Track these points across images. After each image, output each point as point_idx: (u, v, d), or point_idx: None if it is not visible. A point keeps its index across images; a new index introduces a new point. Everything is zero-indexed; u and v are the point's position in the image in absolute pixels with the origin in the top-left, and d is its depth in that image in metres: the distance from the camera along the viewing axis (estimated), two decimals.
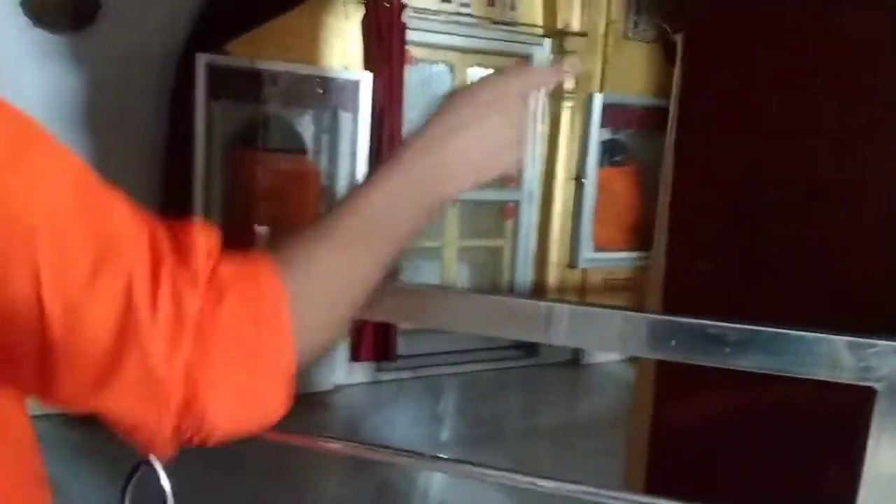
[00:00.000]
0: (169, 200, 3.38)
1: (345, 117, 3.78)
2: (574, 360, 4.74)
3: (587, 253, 4.60)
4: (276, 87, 3.59)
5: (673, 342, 0.79)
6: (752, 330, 0.75)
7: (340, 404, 3.95)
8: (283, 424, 0.60)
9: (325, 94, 3.69)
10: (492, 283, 4.75)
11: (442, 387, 4.24)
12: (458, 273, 4.64)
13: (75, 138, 3.33)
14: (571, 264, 4.60)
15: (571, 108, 4.46)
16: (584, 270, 4.68)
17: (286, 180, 3.81)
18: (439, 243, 4.52)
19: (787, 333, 0.74)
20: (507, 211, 4.66)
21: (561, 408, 4.25)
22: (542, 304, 0.87)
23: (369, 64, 3.76)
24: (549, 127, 4.51)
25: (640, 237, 4.78)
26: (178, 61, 3.35)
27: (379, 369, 4.21)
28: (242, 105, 3.55)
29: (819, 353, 0.74)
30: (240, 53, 3.47)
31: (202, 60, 3.35)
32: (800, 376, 0.76)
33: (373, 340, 4.06)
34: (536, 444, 3.67)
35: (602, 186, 4.67)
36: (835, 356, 0.74)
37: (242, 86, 3.50)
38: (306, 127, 3.78)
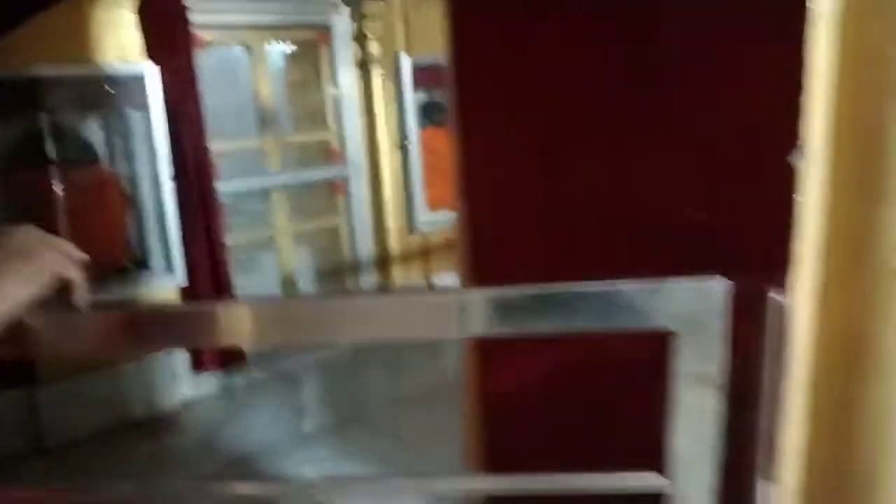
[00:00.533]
0: None
1: (134, 116, 3.46)
2: None
3: (423, 216, 4.59)
4: (48, 94, 3.21)
5: (476, 317, 0.75)
6: (545, 294, 0.72)
7: (188, 422, 3.71)
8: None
9: (108, 93, 3.35)
10: (335, 262, 4.63)
11: (301, 377, 4.11)
12: (297, 258, 4.48)
13: None
14: (410, 230, 4.57)
15: (382, 75, 4.37)
16: (425, 235, 4.68)
17: (84, 193, 3.46)
18: (269, 232, 4.32)
19: (582, 291, 0.72)
20: (337, 187, 4.54)
21: (425, 373, 4.24)
22: (328, 301, 0.80)
23: (154, 55, 3.44)
24: (363, 96, 4.41)
25: None
26: None
27: (228, 375, 3.99)
28: (12, 119, 3.13)
29: (617, 304, 0.73)
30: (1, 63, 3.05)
31: None
32: (606, 331, 0.74)
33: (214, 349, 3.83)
34: (404, 417, 3.65)
35: (426, 148, 4.67)
36: (631, 304, 0.73)
37: (7, 97, 3.09)
38: (94, 133, 3.42)
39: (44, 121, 3.24)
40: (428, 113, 4.71)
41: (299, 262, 4.51)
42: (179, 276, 3.64)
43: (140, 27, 3.42)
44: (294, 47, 4.32)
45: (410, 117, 4.41)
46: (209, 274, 3.72)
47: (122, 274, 3.58)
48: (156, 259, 3.63)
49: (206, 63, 3.94)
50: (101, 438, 3.49)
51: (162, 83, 3.47)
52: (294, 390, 3.99)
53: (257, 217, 4.33)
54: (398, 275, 4.63)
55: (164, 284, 3.64)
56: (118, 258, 3.59)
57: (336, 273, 4.63)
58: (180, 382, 3.82)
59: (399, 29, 4.39)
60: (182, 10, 3.49)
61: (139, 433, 3.57)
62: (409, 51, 4.41)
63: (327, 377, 4.14)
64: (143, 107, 3.45)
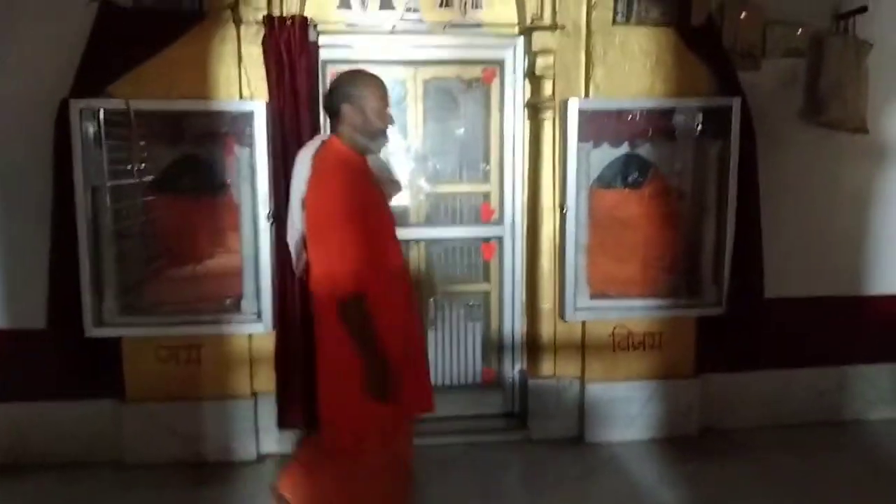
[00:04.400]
0: (60, 250, 3.36)
1: (242, 153, 3.45)
2: (578, 437, 3.89)
3: (581, 300, 3.74)
4: (162, 126, 3.41)
5: None
6: None
7: (262, 475, 3.57)
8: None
9: (218, 128, 3.40)
10: (484, 332, 4.07)
11: None
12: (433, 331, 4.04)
13: None
14: (561, 315, 3.77)
15: (551, 120, 3.66)
16: (585, 323, 3.81)
17: (208, 223, 3.60)
18: None
19: None
20: (488, 249, 3.97)
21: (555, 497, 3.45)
22: None
23: (272, 91, 3.39)
24: (531, 145, 3.77)
25: (665, 277, 3.83)
26: (57, 109, 3.26)
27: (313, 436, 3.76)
28: (130, 147, 3.40)
29: None
30: (124, 95, 3.31)
31: (76, 106, 3.26)
32: None
33: (301, 405, 3.63)
34: None
35: (608, 214, 3.80)
36: None
37: (126, 129, 3.34)
38: (220, 165, 3.55)
39: (156, 150, 3.46)
40: (622, 170, 3.83)
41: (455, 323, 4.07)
42: (267, 325, 3.52)
43: (264, 63, 3.39)
44: (457, 85, 3.87)
45: (571, 174, 3.60)
46: (301, 325, 3.53)
47: (222, 310, 3.61)
48: (248, 302, 3.57)
49: None
50: (173, 468, 3.58)
51: (276, 120, 3.38)
52: None
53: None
54: (546, 367, 3.85)
55: (252, 329, 3.56)
56: (225, 293, 3.63)
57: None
58: (263, 434, 3.71)
59: (578, 63, 3.62)
60: (305, 45, 3.36)
61: (211, 474, 3.56)
62: (594, 91, 3.61)
63: (425, 468, 3.62)
64: (250, 143, 3.42)
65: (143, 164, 3.49)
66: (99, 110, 3.29)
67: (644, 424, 3.93)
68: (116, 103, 3.30)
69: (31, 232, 3.44)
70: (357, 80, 2.53)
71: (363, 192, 2.46)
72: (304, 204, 2.51)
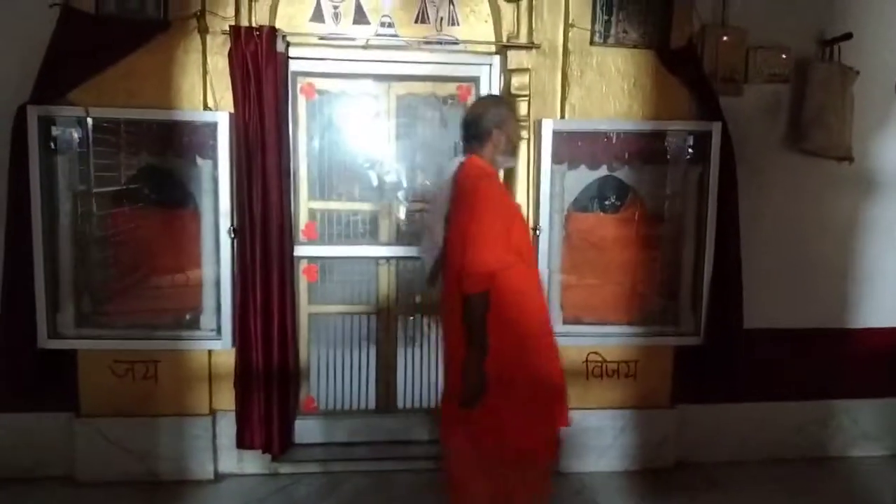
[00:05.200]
0: (14, 259, 3.30)
1: (205, 165, 3.37)
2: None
3: (556, 327, 3.61)
4: (123, 136, 3.34)
5: None
6: None
7: (215, 496, 3.47)
8: None
9: (181, 139, 3.32)
10: None
11: (349, 487, 3.57)
12: (402, 351, 3.94)
13: None
14: None
15: (527, 139, 3.58)
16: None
17: (168, 235, 3.51)
18: (370, 308, 3.87)
19: None
20: None
21: None
22: None
23: (238, 102, 3.31)
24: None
25: (642, 304, 3.73)
26: (14, 116, 3.20)
27: (277, 459, 3.65)
28: (88, 157, 3.33)
29: None
30: (85, 102, 3.24)
31: (34, 113, 3.19)
32: None
33: (261, 425, 3.53)
34: None
35: (583, 237, 3.70)
36: None
37: (86, 138, 3.29)
38: (184, 177, 3.47)
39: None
40: (599, 193, 3.74)
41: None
42: (227, 341, 3.43)
43: (230, 72, 3.32)
44: (432, 101, 3.79)
45: (545, 197, 3.51)
46: (262, 343, 3.44)
47: (181, 325, 3.52)
48: (207, 318, 3.48)
49: (320, 114, 3.70)
50: (127, 486, 3.48)
51: (240, 132, 3.31)
52: (338, 495, 3.46)
53: (358, 288, 3.90)
54: None
55: (211, 346, 3.47)
56: (184, 307, 3.54)
57: None
58: (221, 453, 3.60)
59: (554, 84, 3.54)
60: (274, 55, 3.31)
61: (166, 493, 3.46)
62: (570, 112, 3.54)
63: (388, 495, 3.51)
64: (213, 156, 3.35)
65: (104, 174, 3.40)
66: (55, 119, 3.25)
67: (617, 455, 3.81)
68: (76, 111, 3.25)
69: None
70: (502, 106, 2.84)
71: (509, 201, 2.82)
72: (448, 219, 2.79)
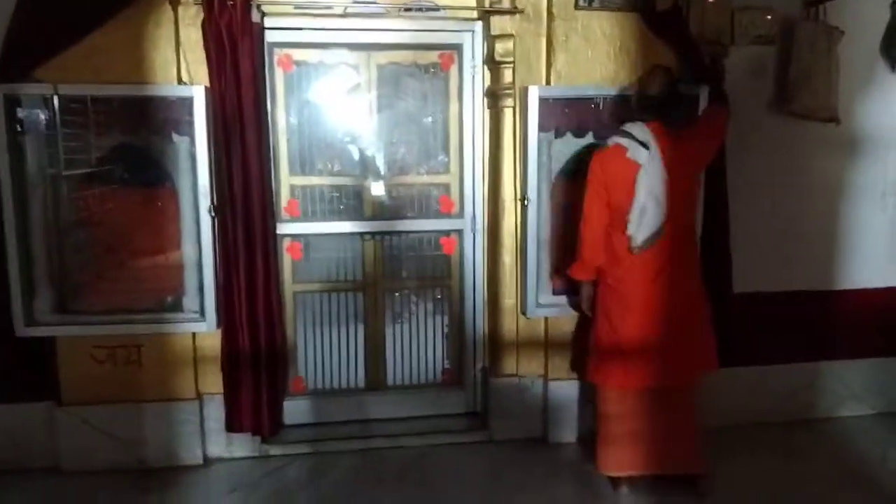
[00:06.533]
0: None
1: (182, 141, 3.23)
2: (541, 438, 3.73)
3: (543, 297, 3.57)
4: (94, 114, 3.17)
5: None
6: None
7: (205, 481, 3.39)
8: None
9: (155, 115, 3.17)
10: (445, 328, 3.89)
11: (340, 466, 3.50)
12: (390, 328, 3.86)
13: None
14: (523, 311, 3.60)
15: (512, 108, 3.48)
16: (545, 320, 3.65)
17: (145, 215, 3.38)
18: (355, 285, 3.78)
19: None
20: (447, 243, 3.79)
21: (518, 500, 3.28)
22: None
23: (212, 75, 3.18)
24: (491, 136, 3.59)
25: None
26: None
27: (267, 441, 3.57)
28: (56, 137, 3.17)
29: None
30: (52, 80, 3.09)
31: None
32: None
33: (250, 407, 3.44)
34: None
35: (569, 208, 3.62)
36: None
37: (54, 117, 3.13)
38: (160, 155, 3.33)
39: (89, 139, 3.21)
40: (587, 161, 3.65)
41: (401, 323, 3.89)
42: (211, 323, 3.32)
43: (204, 45, 3.17)
44: (413, 70, 3.67)
45: (532, 165, 3.43)
46: (247, 324, 3.34)
47: (162, 308, 3.41)
48: (190, 300, 3.37)
49: (298, 87, 3.57)
50: (114, 475, 3.38)
51: (217, 107, 3.18)
52: (331, 479, 3.40)
53: (343, 265, 3.80)
54: (508, 365, 3.68)
55: (195, 328, 3.36)
56: (165, 289, 3.43)
57: None
58: (209, 437, 3.51)
59: (539, 50, 3.44)
60: (249, 28, 3.16)
61: (153, 479, 3.37)
62: (556, 79, 3.44)
63: (379, 471, 3.45)
64: (189, 132, 3.21)
65: (75, 156, 3.24)
66: (21, 98, 3.09)
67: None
68: (43, 88, 3.09)
69: None
70: None
71: None
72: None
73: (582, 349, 3.49)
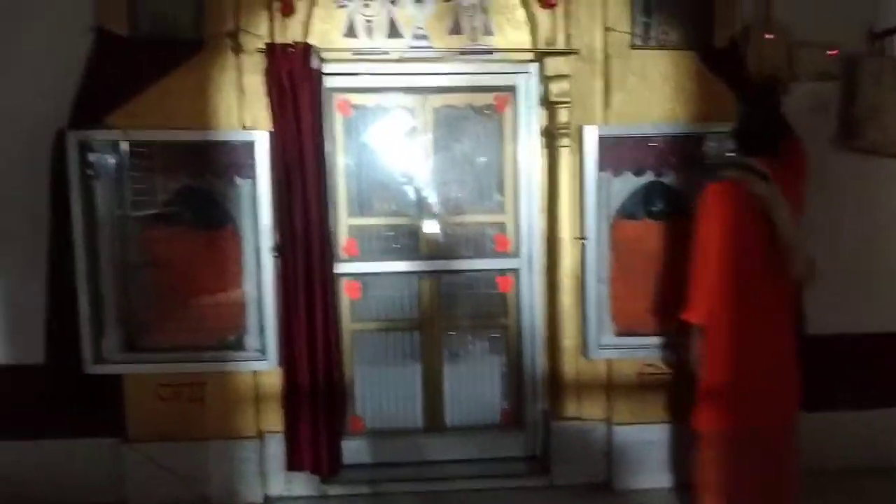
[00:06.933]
0: (58, 283, 3.28)
1: (245, 184, 3.33)
2: (605, 483, 3.61)
3: (605, 338, 3.50)
4: (160, 158, 3.31)
5: None
6: None
7: None
8: None
9: (219, 159, 3.29)
10: (503, 369, 3.84)
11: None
12: (448, 368, 3.82)
13: None
14: (584, 353, 3.53)
15: (568, 147, 3.48)
16: (607, 362, 3.57)
17: (209, 257, 3.47)
18: (411, 324, 3.78)
19: None
20: (503, 282, 3.76)
21: None
22: None
23: (275, 120, 3.29)
24: (547, 175, 3.58)
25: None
26: (53, 141, 3.21)
27: (326, 481, 3.56)
28: (124, 180, 3.32)
29: None
30: (122, 125, 3.25)
31: (73, 137, 3.18)
32: None
33: (310, 446, 3.44)
34: None
35: (631, 246, 3.56)
36: None
37: (123, 161, 3.27)
38: (223, 197, 3.44)
39: (156, 182, 3.35)
40: (645, 199, 3.60)
41: (454, 367, 3.86)
42: (272, 361, 3.36)
43: (266, 90, 3.28)
44: (468, 113, 3.71)
45: (590, 205, 3.40)
46: (307, 362, 3.36)
47: (225, 347, 3.47)
48: (251, 338, 3.42)
49: (356, 130, 3.65)
50: None
51: (278, 151, 3.27)
52: None
53: (400, 303, 3.80)
54: (570, 408, 3.60)
55: (256, 366, 3.40)
56: (227, 328, 3.50)
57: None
58: (270, 476, 3.52)
59: (595, 89, 3.43)
60: (309, 71, 3.27)
61: None
62: (613, 117, 3.43)
63: None
64: (252, 175, 3.31)
65: (142, 198, 3.38)
66: (92, 143, 3.24)
67: (677, 470, 3.63)
68: (113, 134, 3.24)
69: (30, 264, 3.35)
70: None
71: None
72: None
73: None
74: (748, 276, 2.86)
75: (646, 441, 3.60)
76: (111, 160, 3.30)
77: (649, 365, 3.60)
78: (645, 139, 3.45)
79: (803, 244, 2.86)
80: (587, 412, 3.65)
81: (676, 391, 3.58)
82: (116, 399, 3.44)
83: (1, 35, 3.34)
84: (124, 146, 3.26)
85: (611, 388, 3.63)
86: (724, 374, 2.95)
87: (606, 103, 3.46)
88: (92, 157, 3.27)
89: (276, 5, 3.29)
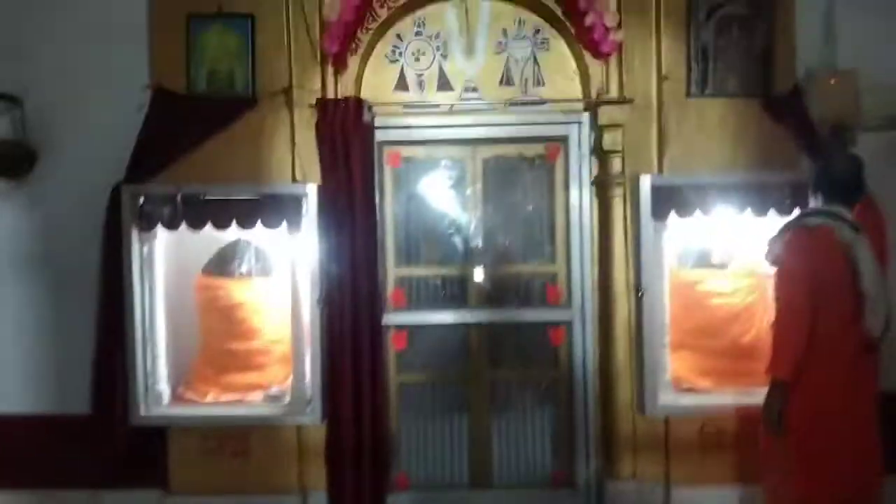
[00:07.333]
0: (106, 334, 3.32)
1: (291, 235, 3.33)
2: None
3: (664, 395, 3.33)
4: (212, 210, 3.33)
5: None
6: None
7: None
8: None
9: (269, 211, 3.30)
10: (554, 425, 3.69)
11: None
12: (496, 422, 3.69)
13: (20, 278, 3.43)
14: (641, 409, 3.37)
15: (621, 197, 3.38)
16: (666, 420, 3.40)
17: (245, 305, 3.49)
18: (459, 377, 3.67)
19: None
20: (555, 334, 3.64)
21: None
22: None
23: (325, 172, 3.29)
24: (599, 224, 3.47)
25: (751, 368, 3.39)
26: (110, 195, 3.29)
27: None
28: (178, 233, 3.36)
29: None
30: (177, 179, 3.29)
31: (127, 192, 3.25)
32: None
33: (354, 502, 3.35)
34: None
35: (691, 297, 3.42)
36: None
37: (176, 213, 3.30)
38: (254, 249, 3.47)
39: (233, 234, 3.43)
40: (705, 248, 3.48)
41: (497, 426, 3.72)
42: (316, 416, 3.30)
43: (317, 144, 3.29)
44: (518, 163, 3.65)
45: (647, 253, 3.28)
46: (352, 417, 3.29)
47: (270, 399, 3.44)
48: (296, 392, 3.37)
49: (406, 181, 3.62)
50: None
51: (329, 203, 3.26)
52: None
53: (447, 355, 3.70)
54: (625, 467, 3.43)
55: (300, 420, 3.34)
56: (272, 380, 3.47)
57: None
58: None
59: (650, 138, 3.34)
60: (360, 125, 3.26)
61: None
62: (668, 166, 3.33)
63: None
64: (301, 226, 3.31)
65: (194, 249, 3.41)
66: (148, 197, 3.31)
67: None
68: (167, 188, 3.28)
69: (77, 316, 3.40)
70: None
71: None
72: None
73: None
74: (834, 328, 2.69)
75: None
76: (165, 212, 3.32)
77: (709, 422, 3.41)
78: (702, 188, 3.33)
79: (883, 296, 2.70)
80: (643, 472, 3.47)
81: (741, 451, 3.39)
82: (161, 451, 3.42)
83: (63, 92, 3.45)
84: (178, 199, 3.29)
85: (669, 447, 3.45)
86: (811, 436, 2.75)
87: (661, 152, 3.36)
88: (147, 208, 3.31)
89: (329, 61, 3.32)
